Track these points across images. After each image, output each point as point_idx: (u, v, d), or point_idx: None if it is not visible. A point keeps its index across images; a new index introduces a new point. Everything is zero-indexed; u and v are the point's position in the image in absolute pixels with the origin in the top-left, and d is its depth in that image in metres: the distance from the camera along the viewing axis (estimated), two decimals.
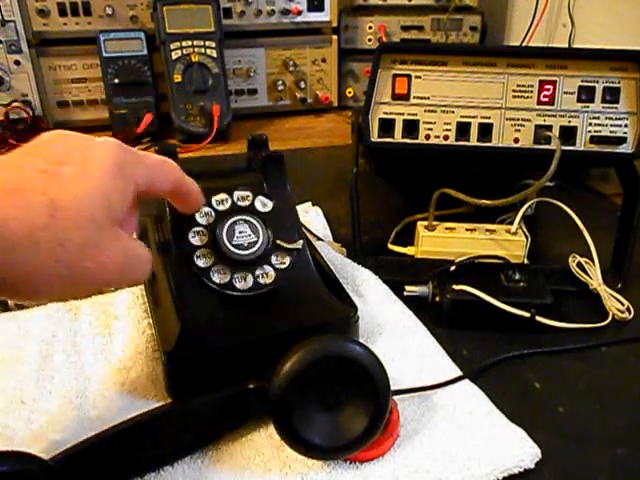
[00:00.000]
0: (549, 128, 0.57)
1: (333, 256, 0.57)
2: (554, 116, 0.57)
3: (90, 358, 0.46)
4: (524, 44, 1.10)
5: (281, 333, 0.42)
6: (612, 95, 0.56)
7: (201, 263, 0.42)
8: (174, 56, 0.93)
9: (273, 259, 0.44)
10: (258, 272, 0.43)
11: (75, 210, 0.29)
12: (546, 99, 0.56)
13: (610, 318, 0.52)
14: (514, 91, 0.57)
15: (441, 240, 0.59)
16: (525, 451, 0.38)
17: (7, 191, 0.28)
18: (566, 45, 1.03)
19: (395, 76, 0.57)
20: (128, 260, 0.32)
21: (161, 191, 0.36)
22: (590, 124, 0.57)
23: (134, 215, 0.37)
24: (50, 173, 0.29)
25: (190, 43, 0.93)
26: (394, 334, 0.49)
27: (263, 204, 0.46)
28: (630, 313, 0.52)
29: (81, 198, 0.29)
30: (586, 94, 0.56)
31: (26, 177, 0.29)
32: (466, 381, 0.44)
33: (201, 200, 0.40)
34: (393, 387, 0.38)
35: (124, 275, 0.33)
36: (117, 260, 0.31)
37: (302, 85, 1.08)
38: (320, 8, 1.05)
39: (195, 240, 0.43)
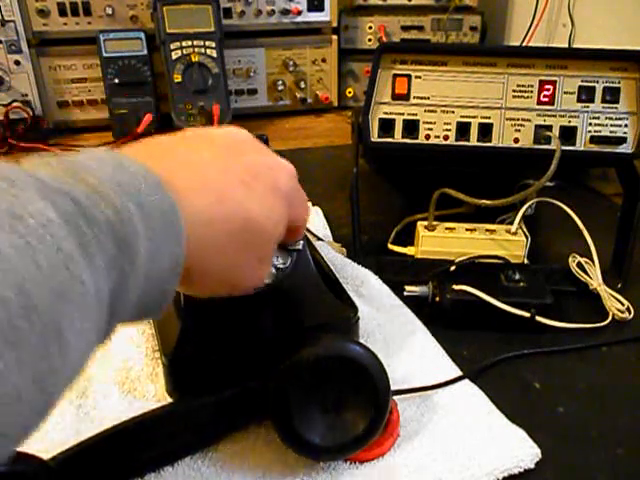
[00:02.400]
0: (549, 128, 0.57)
1: (333, 256, 0.57)
2: (554, 116, 0.57)
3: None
4: (524, 44, 1.10)
5: (281, 333, 0.42)
6: (612, 95, 0.56)
7: None
8: (174, 56, 0.93)
9: (273, 259, 0.44)
10: None
11: (260, 228, 0.32)
12: (546, 99, 0.56)
13: (610, 318, 0.52)
14: (514, 91, 0.57)
15: (441, 240, 0.59)
16: (525, 451, 0.38)
17: (218, 197, 0.30)
18: (566, 45, 1.03)
19: (395, 76, 0.57)
20: (264, 276, 0.36)
21: (292, 228, 0.37)
22: (590, 124, 0.57)
23: None
24: (247, 185, 0.32)
25: (190, 43, 0.93)
26: (394, 334, 0.49)
27: None
28: (630, 313, 0.52)
29: (267, 218, 0.32)
30: (586, 94, 0.56)
31: (232, 186, 0.32)
32: (466, 381, 0.44)
33: (301, 237, 0.42)
34: (393, 387, 0.38)
35: (253, 287, 0.36)
36: (262, 276, 0.35)
37: (302, 85, 1.08)
38: (320, 8, 1.05)
39: None
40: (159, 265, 0.27)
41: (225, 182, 0.31)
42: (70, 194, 0.23)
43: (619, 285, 0.56)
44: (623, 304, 0.53)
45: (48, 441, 0.38)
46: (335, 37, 1.08)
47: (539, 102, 0.57)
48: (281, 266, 0.44)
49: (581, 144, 0.57)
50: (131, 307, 0.26)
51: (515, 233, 0.59)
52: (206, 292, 0.34)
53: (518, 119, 0.57)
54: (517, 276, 0.51)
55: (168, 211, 0.27)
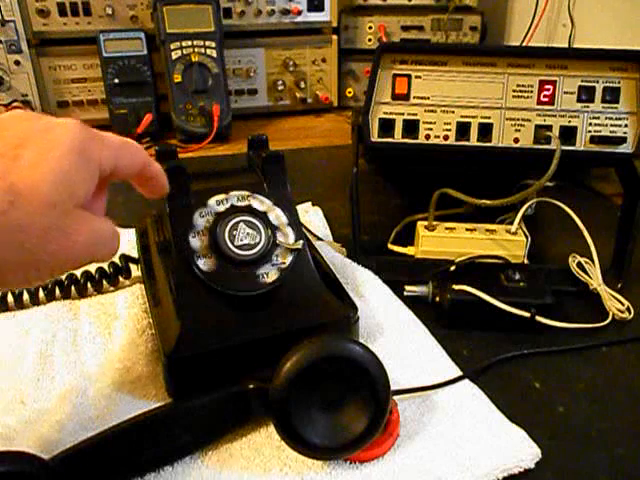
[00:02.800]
0: (549, 128, 0.57)
1: (333, 256, 0.57)
2: (554, 116, 0.57)
3: (90, 358, 0.46)
4: (524, 44, 1.10)
5: (281, 333, 0.42)
6: (612, 95, 0.56)
7: (201, 263, 0.42)
8: (174, 56, 0.93)
9: (273, 259, 0.44)
10: (258, 272, 0.43)
11: (35, 196, 0.28)
12: (546, 99, 0.56)
13: (610, 318, 0.52)
14: (514, 91, 0.57)
15: (441, 240, 0.59)
16: (525, 451, 0.38)
17: None
18: (566, 45, 1.03)
19: (395, 76, 0.57)
20: (94, 239, 0.32)
21: (127, 174, 0.35)
22: (590, 124, 0.57)
23: (102, 197, 0.36)
24: (8, 157, 0.28)
25: (190, 43, 0.93)
26: (394, 334, 0.49)
27: (263, 204, 0.46)
28: (630, 313, 0.52)
29: (41, 182, 0.28)
30: (586, 94, 0.56)
31: None
32: (466, 381, 0.44)
33: (166, 185, 0.39)
34: (393, 387, 0.38)
35: (92, 254, 0.32)
36: (82, 241, 0.31)
37: (302, 85, 1.08)
38: (320, 8, 1.05)
39: (195, 240, 0.43)
40: None
41: None
42: None
43: (619, 285, 0.56)
44: (623, 304, 0.53)
45: (48, 441, 0.38)
46: (335, 37, 1.08)
47: (539, 102, 0.57)
48: (281, 266, 0.44)
49: (581, 144, 0.57)
50: None
51: (515, 233, 0.59)
52: (17, 280, 0.30)
53: (518, 119, 0.57)
54: (517, 276, 0.51)
55: None
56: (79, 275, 0.53)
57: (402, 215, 0.67)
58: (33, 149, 0.29)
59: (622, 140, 0.56)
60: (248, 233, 0.44)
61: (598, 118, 0.57)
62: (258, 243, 0.44)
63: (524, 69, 0.56)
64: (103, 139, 0.33)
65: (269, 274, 0.43)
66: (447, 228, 0.60)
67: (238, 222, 0.44)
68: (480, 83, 0.56)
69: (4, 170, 0.28)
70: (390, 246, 0.63)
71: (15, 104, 0.93)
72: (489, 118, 0.57)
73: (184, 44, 0.93)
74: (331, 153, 0.92)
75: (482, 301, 0.49)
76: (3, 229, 0.27)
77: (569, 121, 0.57)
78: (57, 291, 0.52)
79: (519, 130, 0.57)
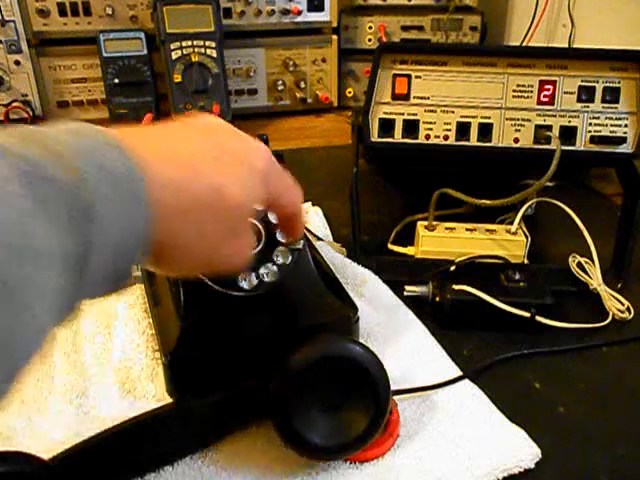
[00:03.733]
0: (549, 128, 0.57)
1: (333, 256, 0.57)
2: (554, 116, 0.57)
3: (90, 358, 0.46)
4: (524, 44, 1.10)
5: (281, 333, 0.42)
6: (612, 95, 0.56)
7: None
8: (174, 56, 0.93)
9: (273, 259, 0.44)
10: (258, 272, 0.43)
11: (234, 200, 0.31)
12: (546, 99, 0.56)
13: (610, 318, 0.52)
14: (514, 91, 0.57)
15: (441, 240, 0.59)
16: (525, 451, 0.38)
17: (194, 171, 0.30)
18: (566, 45, 1.03)
19: (395, 76, 0.57)
20: (247, 249, 0.35)
21: (280, 211, 0.38)
22: (590, 124, 0.57)
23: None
24: (220, 161, 0.32)
25: (190, 43, 0.93)
26: (394, 334, 0.49)
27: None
28: (630, 313, 0.52)
29: (241, 191, 0.32)
30: (586, 94, 0.56)
31: (202, 157, 0.31)
32: (466, 381, 0.44)
33: (303, 235, 0.42)
34: (393, 387, 0.38)
35: (241, 261, 0.35)
36: (243, 247, 0.34)
37: (302, 85, 1.08)
38: (320, 8, 1.05)
39: None
40: (124, 228, 0.26)
41: (195, 154, 0.31)
42: (26, 155, 0.23)
43: (619, 285, 0.56)
44: (623, 304, 0.53)
45: (48, 441, 0.38)
46: (335, 37, 1.08)
47: (539, 102, 0.57)
48: (281, 266, 0.44)
49: (581, 144, 0.57)
50: (96, 272, 0.25)
51: (515, 233, 0.59)
52: (182, 270, 0.33)
53: (518, 119, 0.57)
54: (517, 276, 0.51)
55: (130, 174, 0.26)
56: None
57: (402, 215, 0.67)
58: (236, 161, 0.33)
59: (622, 140, 0.56)
60: None
61: (598, 118, 0.57)
62: (258, 243, 0.43)
63: (524, 69, 0.56)
64: (282, 175, 0.37)
65: (269, 274, 0.43)
66: (447, 228, 0.60)
67: None
68: (480, 83, 0.56)
69: (217, 171, 0.31)
70: (390, 246, 0.63)
71: (15, 104, 0.93)
72: (489, 118, 0.57)
73: (184, 44, 0.93)
74: (331, 153, 0.92)
75: (482, 301, 0.49)
76: (199, 220, 0.30)
77: (569, 121, 0.57)
78: None
79: (519, 130, 0.57)
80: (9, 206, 0.21)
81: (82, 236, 0.24)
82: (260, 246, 0.43)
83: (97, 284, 0.26)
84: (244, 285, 0.43)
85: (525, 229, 0.60)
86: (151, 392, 0.43)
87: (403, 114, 0.58)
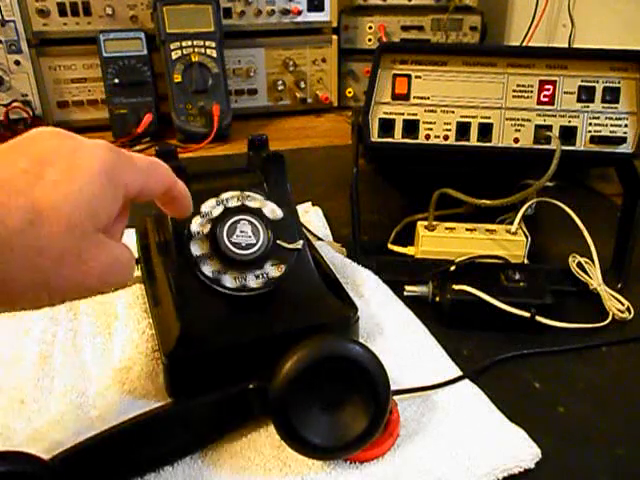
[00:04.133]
0: (549, 128, 0.57)
1: (333, 256, 0.57)
2: (554, 116, 0.57)
3: (90, 358, 0.46)
4: (524, 44, 1.10)
5: (281, 333, 0.42)
6: (612, 95, 0.56)
7: (201, 263, 0.42)
8: (174, 56, 0.93)
9: (273, 259, 0.44)
10: (258, 272, 0.43)
11: (56, 216, 0.27)
12: (546, 99, 0.56)
13: (610, 318, 0.52)
14: (514, 91, 0.57)
15: (441, 240, 0.59)
16: (525, 451, 0.38)
17: None
18: (566, 45, 1.03)
19: (395, 76, 0.57)
20: (109, 267, 0.31)
21: (152, 195, 0.35)
22: (590, 124, 0.57)
23: (123, 220, 0.35)
24: (33, 174, 0.27)
25: (190, 43, 0.93)
26: (394, 334, 0.49)
27: (263, 204, 0.46)
28: (630, 313, 0.52)
29: (63, 204, 0.27)
30: (586, 94, 0.56)
31: (8, 177, 0.27)
32: (466, 381, 0.44)
33: (191, 205, 0.38)
34: (393, 387, 0.38)
35: (105, 281, 0.31)
36: (98, 267, 0.30)
37: (302, 85, 1.08)
38: (320, 8, 1.05)
39: (195, 240, 0.43)
40: None
41: (2, 173, 0.27)
42: None
43: (619, 285, 0.56)
44: (623, 304, 0.53)
45: (48, 441, 0.38)
46: (335, 37, 1.08)
47: (539, 102, 0.57)
48: (281, 266, 0.44)
49: (581, 144, 0.57)
50: None
51: (515, 233, 0.59)
52: (22, 303, 0.29)
53: (518, 119, 0.57)
54: (517, 276, 0.51)
55: None
56: None
57: (402, 215, 0.67)
58: (59, 168, 0.28)
59: (622, 140, 0.56)
60: (248, 233, 0.44)
61: (598, 118, 0.57)
62: (258, 243, 0.44)
63: (524, 69, 0.56)
64: (131, 161, 0.32)
65: (269, 274, 0.43)
66: (447, 228, 0.60)
67: (238, 222, 0.44)
68: (480, 83, 0.56)
69: (27, 186, 0.27)
70: (390, 246, 0.63)
71: (15, 104, 0.93)
72: (489, 118, 0.57)
73: (184, 44, 0.93)
74: (331, 153, 0.92)
75: (482, 301, 0.49)
76: (19, 249, 0.26)
77: (569, 121, 0.57)
78: None
79: (519, 130, 0.57)
80: None
81: None
82: (259, 246, 0.43)
83: None
84: (244, 285, 0.43)
85: (525, 229, 0.60)
86: (151, 392, 0.43)
87: (403, 114, 0.58)
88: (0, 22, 0.90)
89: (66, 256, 0.28)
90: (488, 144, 0.58)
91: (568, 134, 0.57)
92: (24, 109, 0.93)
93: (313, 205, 0.70)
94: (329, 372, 0.36)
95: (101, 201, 0.29)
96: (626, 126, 0.56)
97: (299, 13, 1.04)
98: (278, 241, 0.44)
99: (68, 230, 0.28)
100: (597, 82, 0.56)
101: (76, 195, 0.28)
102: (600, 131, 0.57)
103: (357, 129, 0.61)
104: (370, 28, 1.11)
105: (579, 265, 0.56)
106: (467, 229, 0.59)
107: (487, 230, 0.59)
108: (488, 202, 0.56)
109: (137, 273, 0.55)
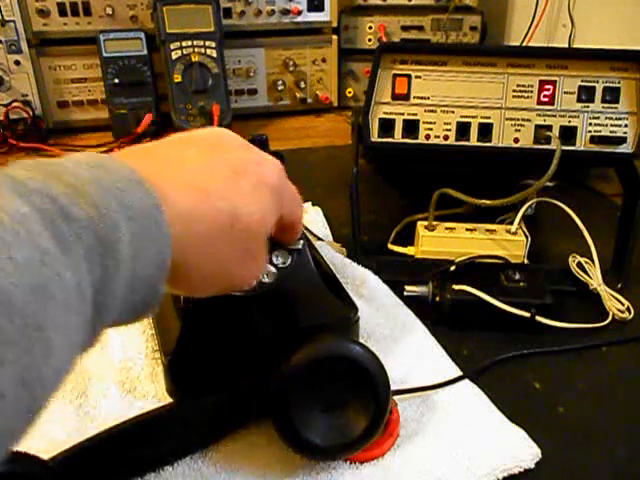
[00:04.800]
0: (549, 128, 0.57)
1: (333, 256, 0.57)
2: (554, 116, 0.57)
3: (90, 358, 0.46)
4: (524, 44, 1.10)
5: (281, 333, 0.42)
6: (612, 95, 0.56)
7: None
8: (174, 56, 0.93)
9: (273, 259, 0.44)
10: None
11: (247, 223, 0.31)
12: (546, 99, 0.56)
13: (610, 318, 0.52)
14: (514, 91, 0.57)
15: (441, 240, 0.59)
16: (525, 451, 0.38)
17: (204, 192, 0.30)
18: (566, 45, 1.03)
19: (395, 76, 0.57)
20: (259, 272, 0.36)
21: (286, 224, 0.37)
22: (590, 124, 0.57)
23: None
24: (232, 182, 0.32)
25: (190, 43, 0.93)
26: (394, 334, 0.49)
27: None
28: (630, 313, 0.52)
29: (253, 212, 0.32)
30: (586, 94, 0.56)
31: (216, 182, 0.31)
32: (466, 381, 0.44)
33: (298, 236, 0.42)
34: (393, 387, 0.38)
35: (249, 283, 0.36)
36: (260, 266, 0.35)
37: (302, 85, 1.08)
38: (320, 8, 1.05)
39: None
40: (144, 263, 0.26)
41: (209, 178, 0.31)
42: (47, 192, 0.23)
43: (619, 285, 0.56)
44: (623, 304, 0.53)
45: (48, 441, 0.38)
46: (335, 37, 1.08)
47: (539, 102, 0.57)
48: (281, 266, 0.44)
49: (581, 144, 0.57)
50: (118, 305, 0.26)
51: (515, 233, 0.59)
52: (197, 291, 0.33)
53: (518, 119, 0.57)
54: (517, 276, 0.51)
55: (151, 209, 0.26)
56: None
57: (402, 215, 0.67)
58: (249, 180, 0.32)
59: (622, 140, 0.56)
60: None
61: (598, 118, 0.57)
62: None
63: (524, 69, 0.56)
64: (290, 188, 0.37)
65: (269, 274, 0.43)
66: (447, 228, 0.60)
67: None
68: (480, 83, 0.56)
69: (229, 194, 0.31)
70: (390, 246, 0.63)
71: (15, 104, 0.93)
72: (489, 118, 0.57)
73: (184, 44, 0.93)
74: (331, 153, 0.92)
75: (482, 301, 0.49)
76: (220, 245, 0.31)
77: (569, 121, 0.57)
78: None
79: (519, 130, 0.57)
80: (32, 246, 0.21)
81: (103, 273, 0.24)
82: None
83: (118, 316, 0.27)
84: None
85: (525, 229, 0.60)
86: (151, 392, 0.43)
87: (403, 114, 0.58)
88: (0, 22, 0.90)
89: (248, 255, 0.33)
90: (488, 144, 0.58)
91: (568, 134, 0.57)
92: (24, 109, 0.93)
93: (313, 205, 0.71)
94: (329, 372, 0.36)
95: (272, 214, 0.34)
96: (626, 126, 0.56)
97: (299, 13, 1.04)
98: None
99: (254, 234, 0.32)
100: (597, 82, 0.56)
101: (261, 206, 0.32)
102: (600, 131, 0.57)
103: (357, 129, 0.61)
104: (370, 28, 1.11)
105: (579, 265, 0.56)
106: (467, 229, 0.59)
107: (487, 230, 0.59)
108: (488, 202, 0.56)
109: None
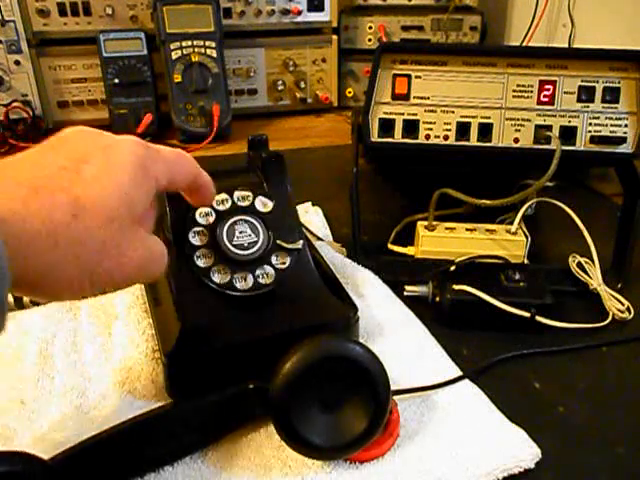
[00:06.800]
0: (549, 128, 0.57)
1: (333, 256, 0.57)
2: (554, 116, 0.57)
3: (90, 358, 0.46)
4: (524, 44, 1.10)
5: (281, 333, 0.42)
6: (612, 95, 0.56)
7: (201, 263, 0.42)
8: (174, 56, 0.93)
9: (273, 259, 0.44)
10: (258, 272, 0.43)
11: (97, 210, 0.29)
12: (546, 99, 0.56)
13: (610, 318, 0.52)
14: (514, 91, 0.57)
15: (441, 240, 0.59)
16: (525, 451, 0.38)
17: (31, 188, 0.28)
18: (566, 45, 1.03)
19: (395, 76, 0.57)
20: (146, 258, 0.32)
21: (180, 186, 0.36)
22: (590, 124, 0.57)
23: (153, 211, 0.37)
24: (71, 171, 0.29)
25: (190, 43, 0.93)
26: (394, 334, 0.49)
27: (263, 204, 0.46)
28: (630, 313, 0.52)
29: (103, 197, 0.29)
30: (586, 94, 0.56)
31: (49, 174, 0.29)
32: (466, 381, 0.44)
33: (214, 193, 0.40)
34: (393, 387, 0.38)
35: (142, 272, 0.33)
36: (136, 258, 0.31)
37: (302, 85, 1.08)
38: (320, 8, 1.05)
39: (195, 240, 0.43)
40: None
41: (39, 173, 0.29)
42: None
43: (619, 285, 0.56)
44: (623, 304, 0.53)
45: (48, 441, 0.38)
46: (335, 37, 1.08)
47: (539, 102, 0.57)
48: (281, 266, 0.44)
49: (581, 144, 0.57)
50: None
51: (515, 233, 0.59)
52: (67, 295, 0.31)
53: (518, 119, 0.57)
54: (517, 276, 0.51)
55: None
56: None
57: (402, 215, 0.67)
58: (95, 164, 0.30)
59: (622, 140, 0.56)
60: (248, 234, 0.44)
61: (598, 118, 0.57)
62: (257, 243, 0.44)
63: (524, 69, 0.56)
64: (160, 154, 0.34)
65: (269, 274, 0.43)
66: (447, 228, 0.60)
67: (238, 222, 0.44)
68: (480, 83, 0.56)
69: (68, 183, 0.29)
70: (390, 246, 0.63)
71: (15, 104, 0.93)
72: (489, 118, 0.57)
73: (184, 44, 0.93)
74: (331, 153, 0.92)
75: (482, 301, 0.49)
76: (64, 242, 0.28)
77: (569, 121, 0.57)
78: None
79: (519, 130, 0.57)
80: None
81: None
82: (259, 246, 0.43)
83: None
84: (243, 286, 0.43)
85: (525, 229, 0.60)
86: (151, 392, 0.43)
87: (403, 114, 0.58)
88: (0, 22, 0.90)
89: (107, 247, 0.30)
90: (488, 144, 0.58)
91: (568, 134, 0.57)
92: (24, 109, 0.93)
93: (313, 205, 0.71)
94: (329, 372, 0.36)
95: (136, 194, 0.31)
96: (626, 126, 0.56)
97: (299, 13, 1.04)
98: (278, 241, 0.44)
99: (108, 222, 0.29)
100: (597, 82, 0.56)
101: (113, 189, 0.30)
102: (600, 131, 0.57)
103: (357, 129, 0.61)
104: (370, 28, 1.11)
105: (579, 265, 0.56)
106: (467, 229, 0.59)
107: (487, 230, 0.59)
108: (488, 202, 0.56)
109: None
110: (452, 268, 0.53)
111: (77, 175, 0.29)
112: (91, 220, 0.29)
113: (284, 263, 0.44)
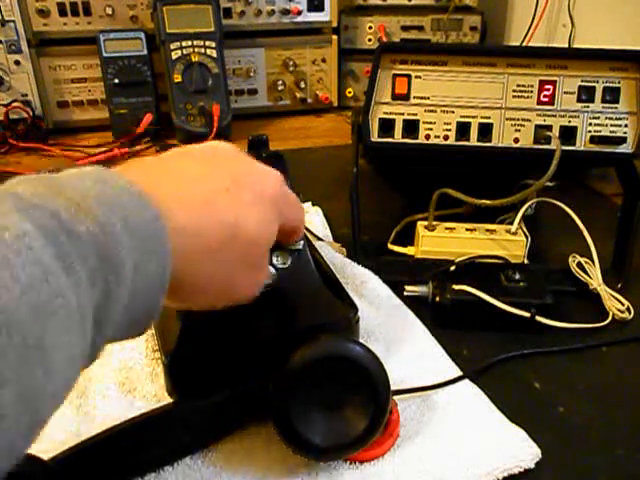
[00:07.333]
0: (549, 128, 0.57)
1: (333, 256, 0.57)
2: (554, 116, 0.57)
3: None
4: (524, 44, 1.10)
5: (281, 333, 0.42)
6: (612, 95, 0.56)
7: None
8: (174, 56, 0.93)
9: (273, 259, 0.44)
10: None
11: (249, 235, 0.32)
12: (546, 99, 0.56)
13: (610, 318, 0.52)
14: (514, 91, 0.57)
15: (441, 240, 0.59)
16: (525, 451, 0.38)
17: (204, 202, 0.30)
18: (566, 45, 1.03)
19: (395, 76, 0.57)
20: (261, 283, 0.36)
21: (288, 231, 0.38)
22: (590, 124, 0.57)
23: None
24: (233, 194, 0.32)
25: (190, 43, 0.93)
26: (394, 334, 0.49)
27: None
28: (630, 313, 0.52)
29: (255, 224, 0.32)
30: (586, 94, 0.56)
31: (216, 192, 0.31)
32: (466, 381, 0.44)
33: (300, 238, 0.42)
34: (393, 387, 0.38)
35: (252, 295, 0.36)
36: (260, 279, 0.35)
37: (302, 85, 1.08)
38: (320, 8, 1.05)
39: None
40: (145, 277, 0.26)
41: (210, 191, 0.31)
42: (49, 208, 0.22)
43: (619, 285, 0.56)
44: (623, 304, 0.53)
45: (48, 441, 0.38)
46: (335, 37, 1.08)
47: (539, 102, 0.57)
48: (281, 266, 0.44)
49: (581, 144, 0.57)
50: (118, 321, 0.25)
51: (515, 233, 0.59)
52: (200, 304, 0.34)
53: (518, 119, 0.57)
54: (517, 276, 0.51)
55: (152, 223, 0.26)
56: None
57: (402, 215, 0.67)
58: (251, 192, 0.33)
59: (622, 140, 0.56)
60: None
61: (598, 118, 0.57)
62: None
63: (524, 69, 0.56)
64: (291, 198, 0.37)
65: (269, 274, 0.43)
66: (447, 228, 0.60)
67: None
68: (480, 83, 0.56)
69: (231, 205, 0.31)
70: (390, 246, 0.63)
71: (15, 104, 0.93)
72: (489, 118, 0.57)
73: (184, 44, 0.93)
74: (331, 153, 0.92)
75: (482, 301, 0.49)
76: (219, 258, 0.31)
77: (569, 121, 0.57)
78: None
79: (519, 130, 0.57)
80: (34, 264, 0.21)
81: (104, 288, 0.24)
82: None
83: (118, 331, 0.26)
84: None
85: (525, 229, 0.60)
86: (151, 392, 0.43)
87: (403, 114, 0.58)
88: (0, 22, 0.90)
89: (250, 265, 0.33)
90: (488, 144, 0.58)
91: (568, 134, 0.57)
92: (24, 109, 0.93)
93: (313, 205, 0.71)
94: (329, 372, 0.36)
95: (274, 226, 0.34)
96: (626, 126, 0.56)
97: (299, 13, 1.04)
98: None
99: (256, 248, 0.33)
100: (597, 82, 0.56)
101: (262, 218, 0.33)
102: (600, 131, 0.57)
103: (357, 129, 0.61)
104: (370, 28, 1.11)
105: (579, 265, 0.56)
106: (467, 229, 0.59)
107: (487, 230, 0.59)
108: (488, 202, 0.56)
109: None
110: (452, 268, 0.53)
111: (237, 199, 0.32)
112: (244, 242, 0.32)
113: (284, 263, 0.44)
